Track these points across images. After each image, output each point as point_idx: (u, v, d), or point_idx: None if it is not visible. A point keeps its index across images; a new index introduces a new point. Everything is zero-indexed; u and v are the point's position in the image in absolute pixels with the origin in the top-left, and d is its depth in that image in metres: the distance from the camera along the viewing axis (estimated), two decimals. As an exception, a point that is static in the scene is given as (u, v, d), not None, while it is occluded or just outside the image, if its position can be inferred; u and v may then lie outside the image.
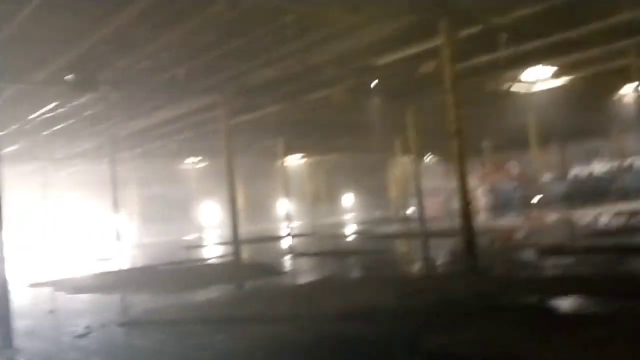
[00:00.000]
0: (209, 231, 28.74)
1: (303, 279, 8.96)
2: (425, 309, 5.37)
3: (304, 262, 12.08)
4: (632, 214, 14.36)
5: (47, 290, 10.14)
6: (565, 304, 4.93)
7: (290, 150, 26.63)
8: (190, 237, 26.82)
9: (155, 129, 18.86)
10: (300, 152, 29.07)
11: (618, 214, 15.06)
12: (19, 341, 5.61)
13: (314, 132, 21.92)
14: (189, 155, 27.41)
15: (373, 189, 33.98)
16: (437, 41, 9.80)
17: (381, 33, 10.73)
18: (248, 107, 16.43)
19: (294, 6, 9.10)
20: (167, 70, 12.13)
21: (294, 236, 20.96)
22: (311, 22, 10.09)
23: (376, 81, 14.56)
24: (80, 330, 5.86)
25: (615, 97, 19.77)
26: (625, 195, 22.89)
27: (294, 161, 30.83)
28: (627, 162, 27.08)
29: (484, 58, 12.53)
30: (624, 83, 16.72)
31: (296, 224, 29.49)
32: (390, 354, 4.03)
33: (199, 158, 28.19)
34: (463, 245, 8.83)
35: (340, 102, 16.08)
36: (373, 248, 13.04)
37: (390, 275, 8.52)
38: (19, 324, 6.33)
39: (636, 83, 14.22)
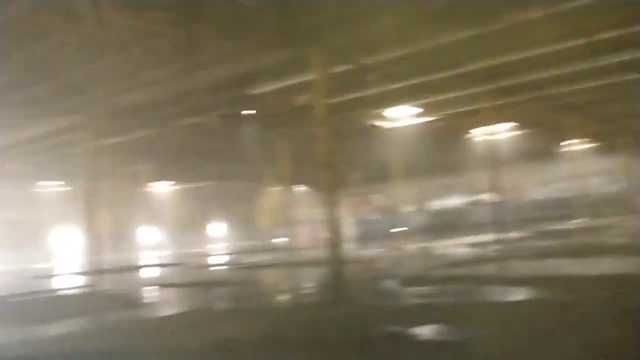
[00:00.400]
0: (68, 259, 26.78)
1: (167, 311, 8.60)
2: (293, 340, 5.37)
3: (170, 293, 11.62)
4: (482, 244, 15.54)
5: None
6: (425, 331, 5.18)
7: (159, 176, 25.79)
8: (46, 265, 24.78)
9: (9, 149, 17.39)
10: (170, 178, 28.23)
11: (470, 244, 16.23)
12: None
13: (185, 158, 21.46)
14: (47, 178, 25.55)
15: (244, 218, 33.78)
16: (311, 75, 10.09)
17: (257, 63, 10.86)
18: (116, 130, 15.73)
19: (166, 30, 8.93)
20: (28, 87, 11.30)
21: (160, 266, 20.15)
22: (185, 46, 9.95)
23: (250, 111, 14.63)
24: None
25: (470, 137, 21.53)
26: (476, 227, 24.77)
27: (164, 187, 29.85)
28: (480, 196, 29.44)
29: (355, 94, 13.12)
30: (478, 125, 18.26)
31: (163, 253, 28.42)
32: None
33: (60, 182, 26.33)
34: (332, 275, 9.01)
35: (214, 129, 15.95)
36: (242, 278, 12.88)
37: (258, 306, 8.44)
38: None
39: (491, 124, 15.56)
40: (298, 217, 21.24)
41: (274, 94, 12.66)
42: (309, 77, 10.44)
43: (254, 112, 14.66)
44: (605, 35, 10.01)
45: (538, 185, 29.64)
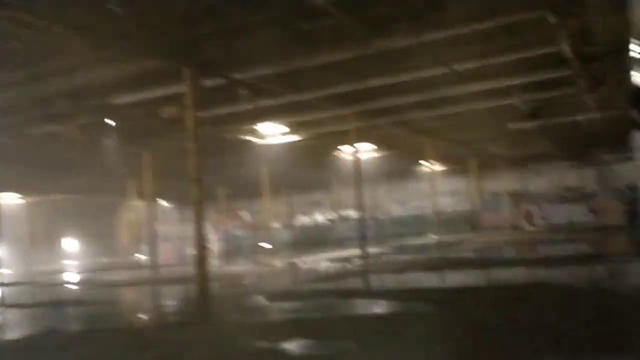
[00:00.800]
0: None
1: (14, 335, 7.86)
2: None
3: (18, 315, 10.63)
4: (346, 259, 16.06)
5: None
6: (294, 346, 5.22)
7: (5, 188, 23.64)
8: None
9: None
10: (18, 190, 25.94)
11: (335, 259, 16.69)
12: None
13: (36, 169, 19.86)
14: None
15: (102, 234, 31.93)
16: (181, 88, 9.85)
17: (122, 72, 10.40)
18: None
19: (20, 31, 8.26)
20: None
21: (6, 285, 18.39)
22: (42, 50, 9.29)
23: (112, 121, 13.93)
24: None
25: (337, 156, 22.23)
26: (341, 242, 25.54)
27: (9, 200, 27.35)
28: (344, 213, 30.43)
29: (226, 109, 13.00)
30: (345, 144, 18.92)
31: (9, 271, 25.96)
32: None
33: None
34: (197, 292, 8.80)
35: (72, 139, 14.96)
36: (101, 297, 12.14)
37: (119, 327, 8.00)
38: None
39: (355, 145, 16.17)
40: (162, 234, 20.49)
41: (140, 105, 12.17)
42: (178, 89, 10.18)
43: (116, 123, 13.97)
44: (466, 65, 10.85)
45: (397, 203, 31.30)
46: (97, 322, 8.69)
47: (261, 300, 9.13)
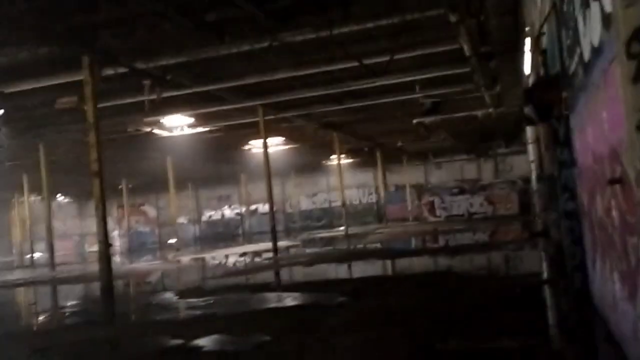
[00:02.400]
0: None
1: None
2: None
3: None
4: (256, 253, 16.00)
5: None
6: (206, 342, 5.11)
7: None
8: None
9: None
10: None
11: (244, 254, 16.58)
12: None
13: None
14: None
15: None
16: (80, 76, 9.36)
17: (15, 58, 9.73)
18: None
19: None
20: None
21: None
22: None
23: (1, 110, 12.99)
24: None
25: (245, 149, 22.04)
26: (250, 237, 25.41)
27: None
28: (253, 207, 30.29)
29: (128, 100, 12.49)
30: (253, 137, 18.77)
31: None
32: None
33: None
34: (100, 291, 8.43)
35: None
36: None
37: (13, 330, 7.49)
38: None
39: (263, 138, 16.07)
40: (60, 230, 19.43)
41: (34, 94, 11.43)
42: (77, 78, 9.65)
43: (7, 112, 13.05)
44: (372, 59, 11.06)
45: (306, 197, 31.56)
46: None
47: (169, 297, 8.90)
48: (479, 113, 17.96)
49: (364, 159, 28.09)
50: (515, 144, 26.03)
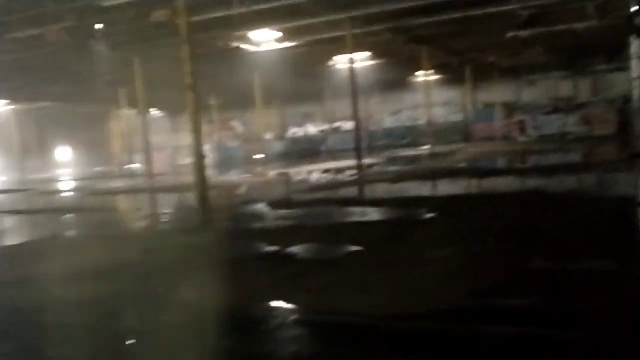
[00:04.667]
0: None
1: (15, 240, 7.97)
2: (168, 265, 5.24)
3: (15, 221, 10.75)
4: (339, 170, 16.18)
5: None
6: (299, 250, 5.32)
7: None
8: None
9: None
10: (5, 97, 25.48)
11: (328, 170, 16.81)
12: None
13: (23, 75, 19.39)
14: None
15: (94, 143, 31.76)
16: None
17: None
18: None
19: None
20: None
21: (1, 192, 18.50)
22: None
23: (101, 25, 13.47)
24: None
25: (330, 66, 21.83)
26: (333, 154, 25.65)
27: (-1, 107, 26.98)
28: (336, 125, 30.35)
29: (218, 14, 12.57)
30: (339, 53, 18.52)
31: (1, 179, 26.03)
32: (140, 312, 3.85)
33: None
34: (196, 200, 8.87)
35: (58, 43, 14.48)
36: (97, 205, 12.24)
37: (120, 233, 8.11)
38: None
39: (350, 53, 15.81)
40: (154, 143, 20.38)
41: (130, 8, 11.72)
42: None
43: (104, 26, 13.50)
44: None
45: (391, 114, 31.13)
46: (98, 228, 8.81)
47: (259, 208, 9.24)
48: (580, 26, 16.71)
49: (452, 75, 27.12)
50: (617, 60, 24.19)
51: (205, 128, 10.56)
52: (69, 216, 10.72)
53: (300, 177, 15.62)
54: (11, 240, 8.00)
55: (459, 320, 3.16)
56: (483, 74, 27.15)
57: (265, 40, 16.29)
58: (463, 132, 27.71)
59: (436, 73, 25.79)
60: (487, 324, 3.12)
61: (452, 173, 13.04)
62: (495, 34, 17.87)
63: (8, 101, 26.24)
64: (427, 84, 24.53)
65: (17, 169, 28.33)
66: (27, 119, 28.62)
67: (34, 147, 30.35)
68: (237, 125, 33.23)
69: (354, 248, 5.19)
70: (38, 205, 12.93)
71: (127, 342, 3.34)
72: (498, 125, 26.65)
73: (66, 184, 21.58)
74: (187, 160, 14.49)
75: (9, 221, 10.85)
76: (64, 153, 34.33)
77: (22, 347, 3.40)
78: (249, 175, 17.72)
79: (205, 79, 20.83)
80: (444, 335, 3.02)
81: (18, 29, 13.37)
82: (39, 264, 5.75)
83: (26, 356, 3.30)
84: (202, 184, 8.90)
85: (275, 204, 9.33)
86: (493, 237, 5.36)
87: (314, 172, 16.60)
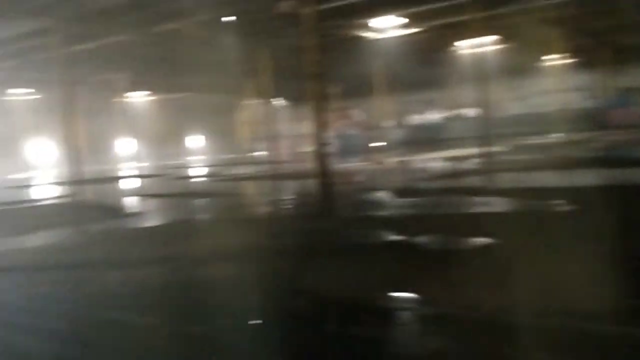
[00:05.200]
0: (43, 170, 26.35)
1: (154, 221, 8.56)
2: (295, 250, 5.34)
3: (153, 204, 11.56)
4: (464, 158, 15.69)
5: None
6: (426, 240, 5.21)
7: (134, 86, 25.07)
8: (22, 176, 24.38)
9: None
10: (145, 88, 27.47)
11: (451, 158, 16.38)
12: None
13: (160, 68, 20.74)
14: (16, 86, 24.54)
15: (223, 131, 33.37)
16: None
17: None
18: (86, 35, 15.00)
19: None
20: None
21: (139, 177, 19.99)
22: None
23: (230, 17, 14.02)
24: None
25: (453, 51, 21.20)
26: (455, 142, 24.92)
27: (138, 98, 29.13)
28: (459, 111, 29.47)
29: (340, 2, 12.62)
30: (462, 37, 17.91)
31: (141, 165, 28.15)
32: (271, 295, 3.95)
33: (29, 89, 25.25)
34: (319, 187, 9.00)
35: (192, 36, 15.31)
36: (226, 190, 12.83)
37: (247, 217, 8.44)
38: None
39: (475, 37, 15.22)
40: (278, 131, 21.00)
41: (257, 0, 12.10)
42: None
43: (234, 18, 14.04)
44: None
45: (518, 100, 29.67)
46: (227, 211, 9.22)
47: (381, 195, 9.19)
48: None
49: (586, 58, 25.27)
50: None
51: (326, 116, 10.65)
52: (200, 200, 11.34)
53: (422, 165, 15.36)
54: (150, 222, 8.58)
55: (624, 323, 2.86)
56: (621, 57, 25.01)
57: (386, 26, 16.13)
58: (598, 119, 25.76)
59: (568, 56, 24.16)
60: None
61: (588, 162, 12.13)
62: (631, 12, 16.37)
63: (148, 92, 28.28)
64: (558, 68, 23.07)
65: (155, 155, 30.48)
66: (164, 109, 30.62)
67: (169, 135, 32.44)
68: (358, 113, 33.35)
69: (485, 240, 4.96)
70: (173, 189, 13.78)
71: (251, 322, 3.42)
72: (636, 112, 24.47)
73: (198, 170, 22.87)
74: (309, 147, 14.77)
75: (148, 204, 11.70)
76: (196, 141, 36.36)
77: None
78: (370, 162, 17.71)
79: (327, 67, 21.08)
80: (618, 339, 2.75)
81: (158, 23, 14.28)
82: (177, 244, 6.12)
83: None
84: (324, 171, 9.00)
85: (398, 192, 9.23)
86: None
87: (436, 160, 16.25)
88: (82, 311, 3.90)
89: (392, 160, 17.76)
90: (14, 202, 12.27)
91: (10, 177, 23.68)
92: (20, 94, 25.92)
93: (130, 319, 3.64)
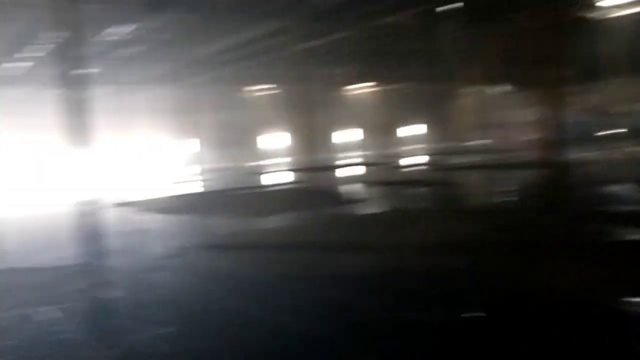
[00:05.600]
0: (276, 158, 28.93)
1: (377, 209, 8.83)
2: (522, 245, 5.10)
3: (375, 192, 11.88)
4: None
5: (131, 210, 10.54)
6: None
7: (358, 79, 26.11)
8: (256, 163, 27.08)
9: (224, 54, 18.44)
10: (367, 80, 28.47)
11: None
12: (109, 260, 5.83)
13: (383, 59, 21.24)
14: (252, 83, 27.19)
15: (443, 120, 33.02)
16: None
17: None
18: (316, 33, 16.02)
19: None
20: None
21: (361, 165, 20.76)
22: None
23: (449, 6, 13.81)
24: (167, 251, 6.04)
25: None
26: None
27: (362, 89, 30.37)
28: None
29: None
30: None
31: (364, 154, 29.22)
32: (497, 290, 3.87)
33: (269, 85, 27.73)
34: (546, 179, 8.49)
35: (411, 27, 15.43)
36: (445, 179, 12.62)
37: (467, 207, 8.24)
38: (109, 243, 6.61)
39: None
40: (502, 118, 20.03)
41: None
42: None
43: (454, 7, 13.79)
44: None
45: None
46: (448, 201, 9.13)
47: (617, 188, 8.30)
48: None
49: None
50: None
51: (556, 102, 9.96)
52: (418, 189, 11.34)
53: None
54: (373, 209, 8.88)
55: None
56: None
57: (614, 5, 14.44)
58: None
59: None
60: None
61: None
62: None
63: (372, 84, 29.32)
64: None
65: (377, 144, 31.39)
66: (386, 99, 31.27)
67: (390, 124, 33.08)
68: (588, 98, 30.40)
69: None
70: (394, 178, 13.99)
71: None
72: None
73: (416, 159, 22.99)
74: (537, 135, 13.80)
75: (370, 191, 12.06)
76: (416, 130, 36.50)
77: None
78: (603, 151, 16.04)
79: (555, 51, 19.61)
80: None
81: (380, 17, 14.61)
82: (399, 232, 6.26)
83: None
84: (553, 160, 8.47)
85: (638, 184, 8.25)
86: None
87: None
88: (317, 292, 4.14)
89: (630, 149, 15.88)
90: (251, 187, 13.64)
91: (247, 164, 26.38)
92: (256, 90, 28.48)
93: (356, 302, 3.81)
